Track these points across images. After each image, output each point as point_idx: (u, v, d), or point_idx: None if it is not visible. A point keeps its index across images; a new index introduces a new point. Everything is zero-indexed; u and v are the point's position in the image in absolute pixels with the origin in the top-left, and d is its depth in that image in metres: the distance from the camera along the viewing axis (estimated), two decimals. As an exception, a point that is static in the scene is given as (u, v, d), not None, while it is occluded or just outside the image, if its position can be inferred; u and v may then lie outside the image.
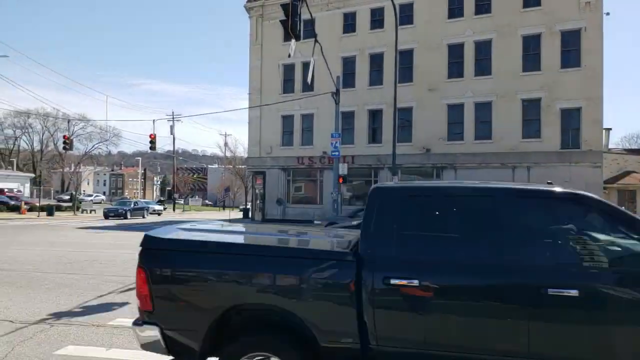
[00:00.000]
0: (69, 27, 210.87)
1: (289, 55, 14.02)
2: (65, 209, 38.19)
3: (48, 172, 72.18)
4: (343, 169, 23.78)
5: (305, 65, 26.14)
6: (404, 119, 25.74)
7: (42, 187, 56.00)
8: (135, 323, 3.23)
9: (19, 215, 32.58)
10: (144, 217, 35.13)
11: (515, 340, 2.62)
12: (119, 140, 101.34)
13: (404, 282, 2.73)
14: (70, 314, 6.10)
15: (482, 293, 2.72)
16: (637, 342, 2.53)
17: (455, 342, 2.69)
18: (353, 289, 2.76)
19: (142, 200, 50.58)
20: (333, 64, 24.26)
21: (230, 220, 28.26)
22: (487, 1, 24.53)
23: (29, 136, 65.95)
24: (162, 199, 79.59)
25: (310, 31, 21.03)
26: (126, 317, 5.82)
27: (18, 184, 44.62)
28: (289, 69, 28.93)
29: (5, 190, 39.29)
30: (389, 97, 24.12)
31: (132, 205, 34.82)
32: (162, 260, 3.08)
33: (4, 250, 12.88)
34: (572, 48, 22.96)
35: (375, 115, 27.03)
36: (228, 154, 62.04)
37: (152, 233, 3.33)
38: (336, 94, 24.28)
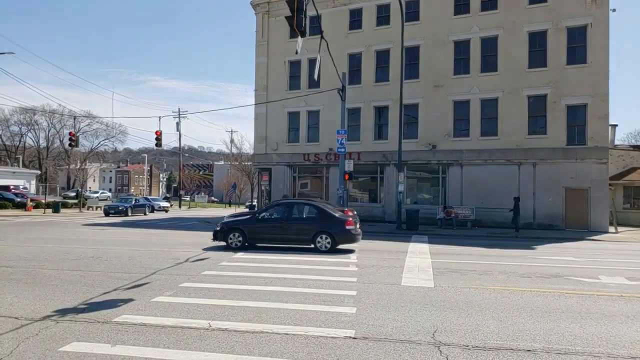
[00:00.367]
0: (75, 25, 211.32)
1: (296, 52, 14.16)
2: (71, 205, 38.56)
3: (54, 169, 72.74)
4: (349, 165, 23.96)
5: (311, 62, 26.30)
6: (410, 116, 25.89)
7: (47, 184, 56.48)
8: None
9: (24, 212, 32.85)
10: (145, 214, 34.80)
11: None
12: (125, 137, 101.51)
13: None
14: (75, 310, 6.14)
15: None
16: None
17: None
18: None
19: (146, 197, 50.94)
20: (339, 61, 24.41)
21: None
22: (493, -3, 24.57)
23: (35, 133, 66.48)
24: (168, 195, 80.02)
25: (316, 28, 21.17)
26: (132, 314, 5.94)
27: (24, 181, 45.01)
28: (295, 66, 29.09)
29: (11, 187, 39.66)
30: (395, 94, 24.27)
31: (133, 202, 34.43)
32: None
33: (10, 247, 13.06)
34: (578, 44, 22.98)
35: (381, 112, 27.18)
36: (234, 151, 62.31)
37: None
38: (342, 91, 24.44)
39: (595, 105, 22.49)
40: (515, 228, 20.18)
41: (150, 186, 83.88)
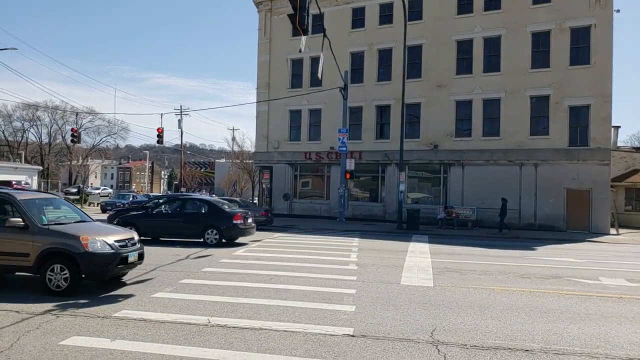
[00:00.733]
0: (79, 22, 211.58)
1: (300, 51, 14.16)
2: (73, 201, 38.70)
3: (56, 164, 72.88)
4: (350, 164, 23.98)
5: (314, 60, 26.28)
6: (412, 115, 25.85)
7: (49, 180, 56.60)
8: None
9: (28, 207, 32.97)
10: None
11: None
12: (127, 133, 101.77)
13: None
14: (76, 305, 6.18)
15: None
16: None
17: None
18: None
19: (147, 194, 51.03)
20: (341, 59, 24.38)
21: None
22: (496, -3, 24.50)
23: (37, 129, 66.55)
24: (169, 192, 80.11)
25: (318, 26, 21.16)
26: (132, 309, 5.98)
27: (26, 177, 45.09)
28: (297, 64, 29.08)
29: (13, 182, 39.73)
30: (397, 93, 24.23)
31: (130, 199, 34.16)
32: None
33: None
34: (581, 45, 22.89)
35: (383, 111, 27.15)
36: (235, 149, 62.32)
37: None
38: (344, 89, 24.45)
39: (598, 106, 22.41)
40: (500, 228, 21.07)
41: (151, 183, 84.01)
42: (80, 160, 67.69)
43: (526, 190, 23.43)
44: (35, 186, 45.65)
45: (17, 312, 5.77)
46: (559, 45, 23.16)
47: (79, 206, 36.85)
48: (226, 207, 14.11)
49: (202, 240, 13.21)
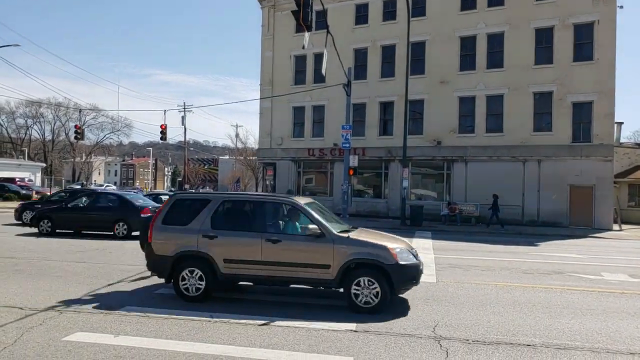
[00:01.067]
0: (82, 18, 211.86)
1: (303, 47, 14.14)
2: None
3: (59, 161, 73.21)
4: (354, 161, 23.93)
5: (317, 57, 26.23)
6: (415, 111, 25.79)
7: (53, 177, 56.86)
8: None
9: (31, 204, 33.17)
10: None
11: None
12: (130, 130, 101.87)
13: None
14: (79, 301, 6.21)
15: None
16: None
17: None
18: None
19: (150, 191, 51.24)
20: (344, 56, 24.30)
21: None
22: (500, -7, 24.32)
23: (41, 126, 66.82)
24: (172, 189, 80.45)
25: (322, 22, 21.07)
26: (135, 305, 6.03)
27: (29, 174, 45.41)
28: (300, 60, 29.03)
29: (17, 179, 40.07)
30: (400, 89, 24.18)
31: None
32: None
33: (14, 239, 13.19)
34: (585, 41, 22.73)
35: (386, 107, 27.10)
36: (239, 145, 62.41)
37: None
38: (347, 86, 24.36)
39: (601, 102, 22.28)
40: (487, 223, 21.49)
41: (155, 180, 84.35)
42: (84, 157, 68.00)
43: (529, 186, 23.37)
44: (38, 183, 45.98)
45: (20, 308, 5.81)
46: (562, 42, 23.01)
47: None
48: (141, 201, 14.92)
49: (112, 233, 13.84)
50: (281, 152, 29.33)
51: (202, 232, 6.41)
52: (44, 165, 55.15)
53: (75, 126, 33.79)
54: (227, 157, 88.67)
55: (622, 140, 35.34)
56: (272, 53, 29.78)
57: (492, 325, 5.56)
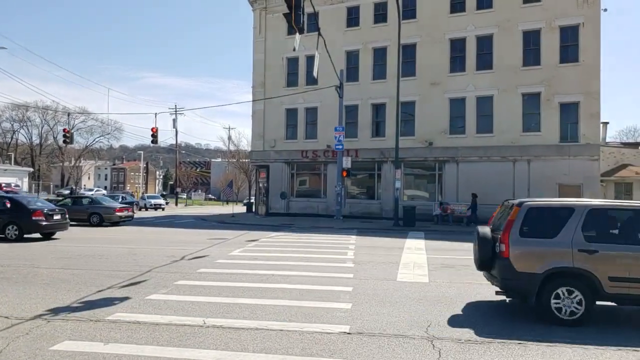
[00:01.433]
0: (70, 20, 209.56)
1: (294, 49, 14.17)
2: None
3: (47, 166, 72.24)
4: (347, 162, 24.04)
5: (309, 59, 26.27)
6: (407, 113, 25.95)
7: (41, 182, 56.06)
8: None
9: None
10: (132, 212, 33.66)
11: None
12: (121, 134, 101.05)
13: None
14: (68, 309, 6.06)
15: None
16: None
17: None
18: None
19: (142, 195, 50.79)
20: (336, 58, 24.39)
21: (233, 215, 28.53)
22: (489, -5, 24.63)
23: (28, 130, 65.88)
24: (164, 193, 79.79)
25: (314, 25, 21.15)
26: (126, 312, 5.91)
27: (16, 179, 44.68)
28: (293, 63, 29.05)
29: (3, 184, 39.43)
30: (392, 91, 24.31)
31: (119, 200, 32.39)
32: None
33: (0, 246, 12.89)
34: (570, 43, 23.12)
35: (378, 109, 27.23)
36: (231, 148, 62.20)
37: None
38: (339, 88, 24.47)
39: (587, 103, 22.67)
40: (467, 222, 22.07)
41: (146, 183, 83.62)
42: (73, 161, 67.15)
43: (519, 186, 23.64)
44: (25, 188, 45.28)
45: (6, 317, 5.65)
46: (549, 44, 23.38)
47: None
48: (39, 203, 15.23)
49: (2, 235, 13.97)
50: (274, 154, 29.29)
51: (576, 245, 5.61)
52: (32, 170, 54.38)
53: (64, 130, 33.36)
54: (219, 159, 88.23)
55: (608, 140, 35.95)
56: (264, 55, 29.76)
57: (483, 324, 5.61)
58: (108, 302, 6.55)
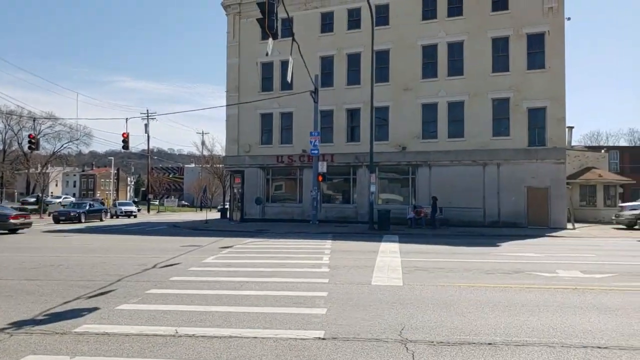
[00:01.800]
0: (38, 24, 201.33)
1: (267, 54, 14.15)
2: (31, 212, 36.71)
3: (11, 173, 68.69)
4: (322, 167, 24.13)
5: (284, 64, 26.27)
6: (381, 118, 26.33)
7: (4, 190, 53.34)
8: None
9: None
10: (101, 219, 32.57)
11: None
12: (90, 139, 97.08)
13: None
14: (32, 322, 5.82)
15: None
16: None
17: None
18: None
19: (113, 201, 49.16)
20: (311, 63, 24.51)
21: (206, 221, 28.02)
22: (459, 4, 25.43)
23: (-10, 135, 62.52)
24: (136, 199, 77.48)
25: (288, 30, 21.20)
26: (94, 323, 5.71)
27: (-22, 187, 42.31)
28: (267, 67, 28.97)
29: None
30: (366, 96, 24.63)
31: (87, 207, 31.98)
32: None
33: None
34: (537, 50, 24.16)
35: (353, 114, 27.50)
36: (205, 153, 61.17)
37: None
38: (315, 93, 24.59)
39: (553, 108, 23.71)
40: (432, 224, 22.90)
41: (117, 190, 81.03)
42: (39, 168, 64.15)
43: (490, 189, 24.39)
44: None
45: (-34, 332, 5.38)
46: (517, 51, 24.33)
47: (37, 217, 35.09)
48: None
49: None
50: (249, 160, 29.03)
51: None
52: (-6, 177, 51.57)
53: (29, 135, 31.93)
54: (192, 165, 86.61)
55: (573, 144, 37.67)
56: (239, 60, 29.54)
57: (455, 326, 5.72)
58: (75, 313, 6.30)
